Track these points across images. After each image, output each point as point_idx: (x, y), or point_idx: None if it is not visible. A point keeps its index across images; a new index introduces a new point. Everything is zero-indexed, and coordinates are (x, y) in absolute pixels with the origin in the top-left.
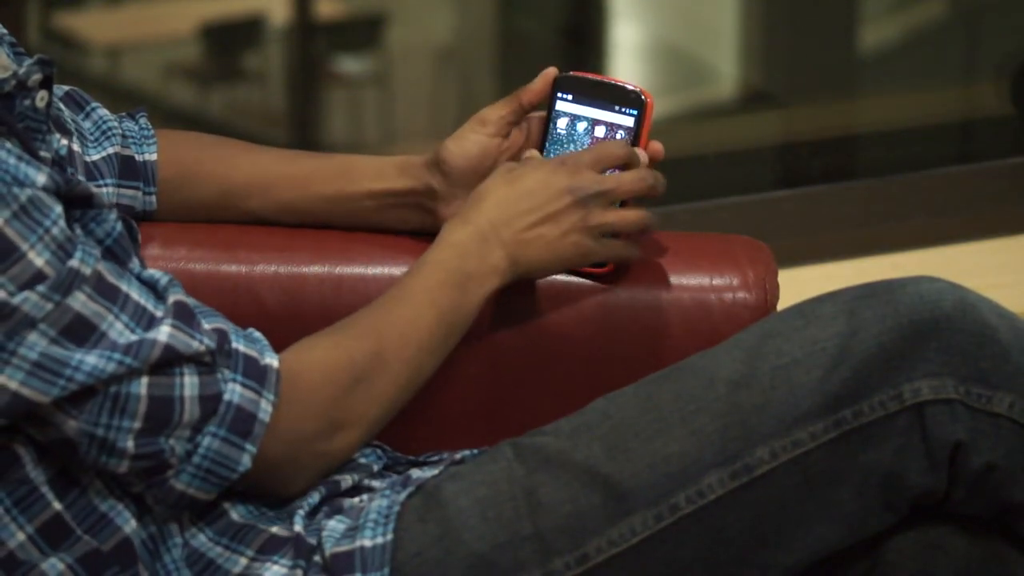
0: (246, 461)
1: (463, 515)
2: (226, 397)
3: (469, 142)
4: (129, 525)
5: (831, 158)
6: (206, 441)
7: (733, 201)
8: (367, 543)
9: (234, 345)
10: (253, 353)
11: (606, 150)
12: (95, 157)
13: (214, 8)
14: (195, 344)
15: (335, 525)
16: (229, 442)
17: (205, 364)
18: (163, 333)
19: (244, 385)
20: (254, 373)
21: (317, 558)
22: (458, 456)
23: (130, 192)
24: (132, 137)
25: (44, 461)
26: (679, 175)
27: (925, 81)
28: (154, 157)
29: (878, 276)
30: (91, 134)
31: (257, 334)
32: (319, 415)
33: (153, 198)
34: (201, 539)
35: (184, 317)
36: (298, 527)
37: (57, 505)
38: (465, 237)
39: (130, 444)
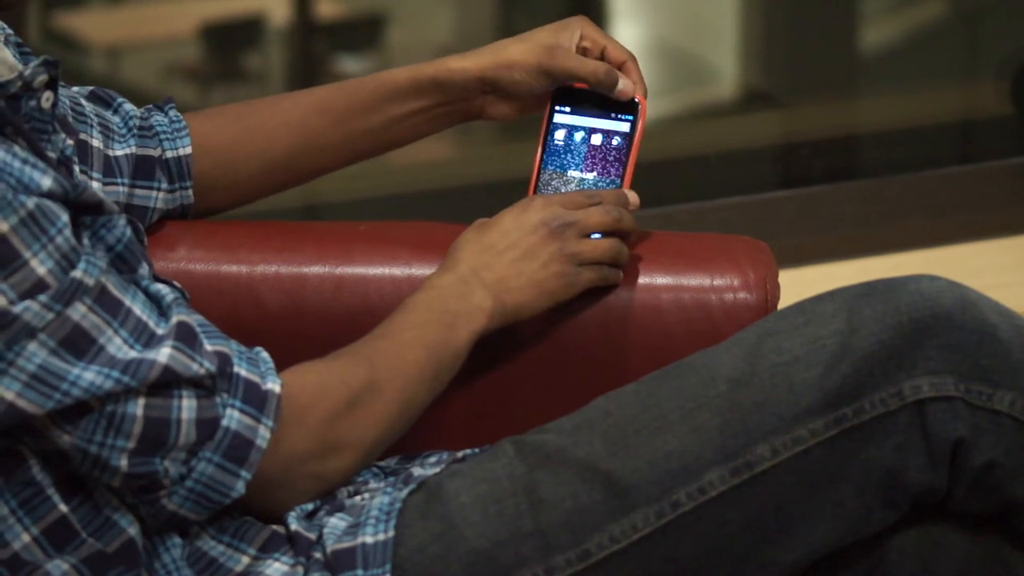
0: (240, 487)
1: (464, 512)
2: (224, 422)
3: (524, 84)
4: (134, 527)
5: (832, 158)
6: (200, 466)
7: (734, 201)
8: (368, 539)
9: (235, 369)
10: (255, 378)
11: (573, 196)
12: (118, 152)
13: (214, 8)
14: (195, 367)
15: (336, 522)
16: (223, 468)
17: (204, 387)
18: (163, 354)
19: (243, 411)
20: (254, 399)
21: (318, 555)
22: (459, 454)
23: (142, 192)
24: (164, 132)
25: (51, 464)
26: (680, 175)
27: (926, 81)
28: (188, 151)
29: (879, 276)
30: (119, 128)
31: (264, 355)
32: (313, 436)
33: (190, 192)
34: (204, 538)
35: (186, 338)
36: (294, 526)
37: (63, 508)
38: (446, 282)
39: (123, 463)
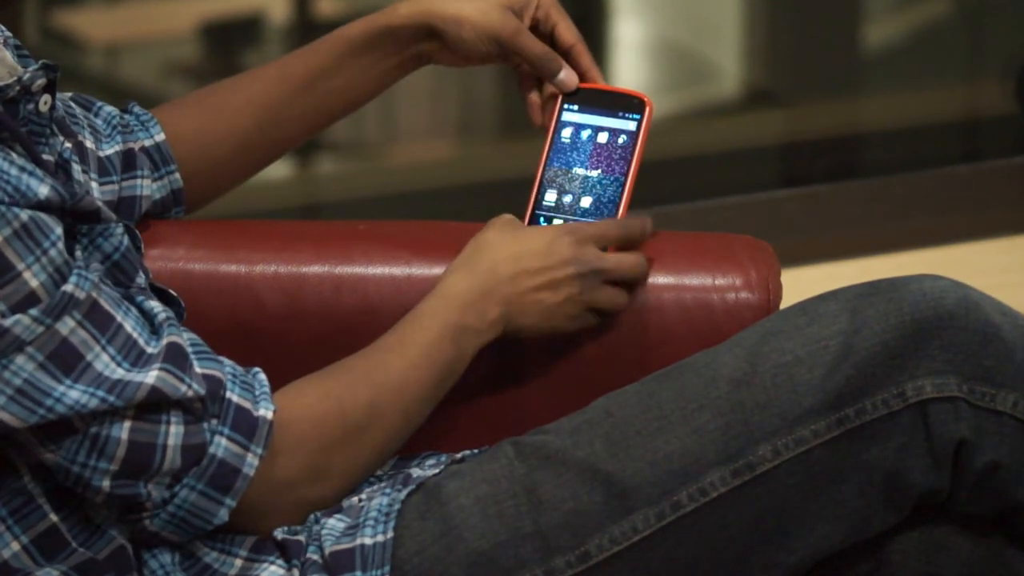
0: (223, 515)
1: (464, 513)
2: (211, 450)
3: (470, 43)
4: (124, 535)
5: (834, 157)
6: (183, 493)
7: (736, 200)
8: (367, 541)
9: (227, 394)
10: (246, 403)
11: (609, 230)
12: (108, 152)
13: (213, 6)
14: (183, 389)
15: (334, 523)
16: (207, 496)
17: (193, 412)
18: (151, 376)
19: (231, 439)
20: (244, 425)
21: (316, 556)
22: (459, 455)
23: (128, 183)
24: (136, 126)
25: (42, 474)
26: (682, 174)
27: (929, 80)
28: (162, 137)
29: (882, 276)
30: (104, 129)
31: (260, 377)
32: (303, 464)
33: (177, 175)
34: (195, 543)
35: (176, 360)
36: (280, 536)
37: (54, 517)
38: (466, 289)
39: (106, 484)
